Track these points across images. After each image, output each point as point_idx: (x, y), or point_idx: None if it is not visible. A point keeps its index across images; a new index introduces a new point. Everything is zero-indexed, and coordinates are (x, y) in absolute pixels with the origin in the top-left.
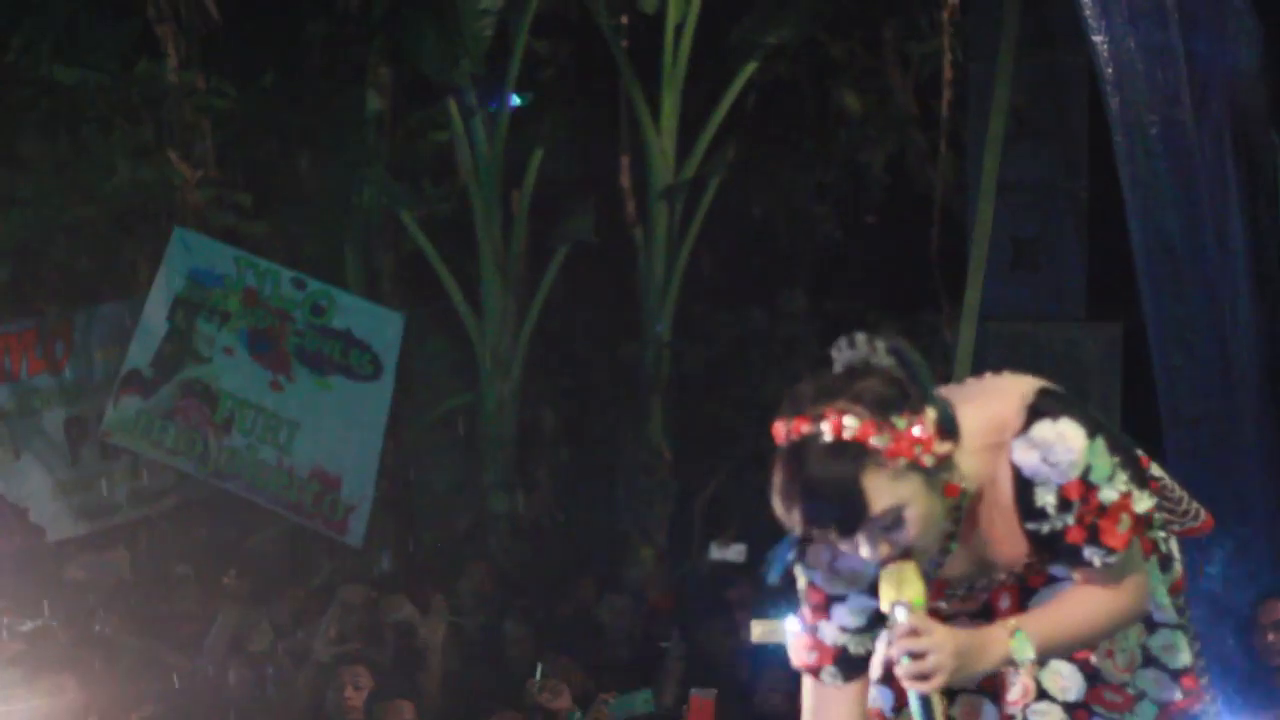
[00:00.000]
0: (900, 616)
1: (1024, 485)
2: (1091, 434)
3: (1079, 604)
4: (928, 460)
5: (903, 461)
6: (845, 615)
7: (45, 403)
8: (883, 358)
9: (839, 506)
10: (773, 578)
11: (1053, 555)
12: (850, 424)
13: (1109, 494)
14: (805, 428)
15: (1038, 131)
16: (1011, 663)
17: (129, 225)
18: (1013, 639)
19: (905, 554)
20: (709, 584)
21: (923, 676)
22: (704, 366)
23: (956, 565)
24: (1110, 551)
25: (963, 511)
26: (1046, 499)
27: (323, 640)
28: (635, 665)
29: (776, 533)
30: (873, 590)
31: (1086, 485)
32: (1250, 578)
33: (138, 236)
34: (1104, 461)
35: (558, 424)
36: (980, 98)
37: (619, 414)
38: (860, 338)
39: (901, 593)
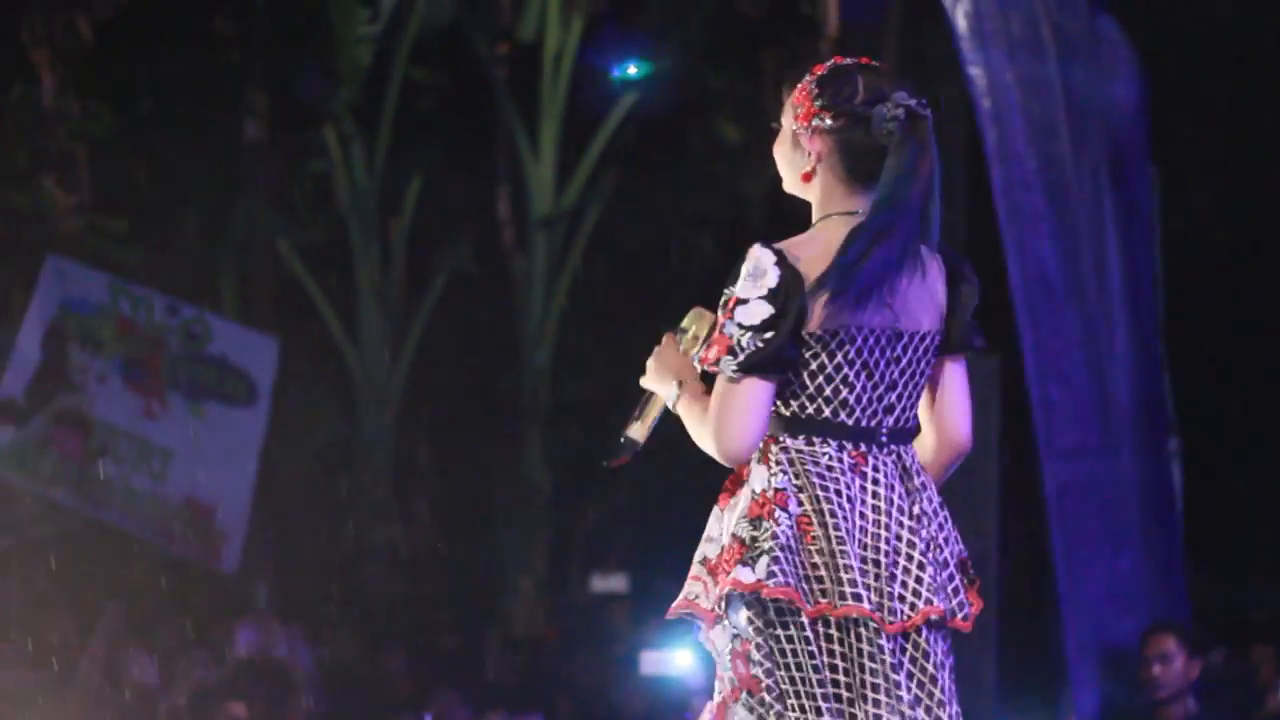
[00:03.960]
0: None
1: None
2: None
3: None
4: (795, 122)
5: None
6: None
7: None
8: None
9: None
10: None
11: None
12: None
13: (730, 328)
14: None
15: None
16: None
17: (2, 253)
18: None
19: None
20: (589, 614)
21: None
22: (583, 397)
23: None
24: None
25: None
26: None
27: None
28: (518, 696)
29: (657, 563)
30: None
31: (728, 305)
32: (1128, 610)
33: (11, 264)
34: (757, 314)
35: (436, 454)
36: None
37: (497, 444)
38: None
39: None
